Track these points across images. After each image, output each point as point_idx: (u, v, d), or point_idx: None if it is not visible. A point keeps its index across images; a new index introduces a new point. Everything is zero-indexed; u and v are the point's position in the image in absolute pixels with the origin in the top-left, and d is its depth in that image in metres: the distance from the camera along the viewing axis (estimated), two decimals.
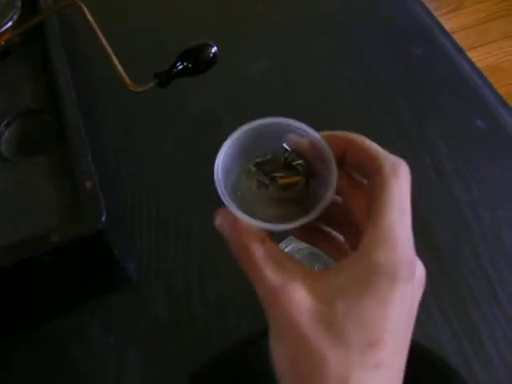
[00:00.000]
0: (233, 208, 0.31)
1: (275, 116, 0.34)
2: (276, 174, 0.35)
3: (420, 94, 0.69)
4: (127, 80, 0.51)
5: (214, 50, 0.50)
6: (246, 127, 0.34)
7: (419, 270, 0.30)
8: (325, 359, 0.26)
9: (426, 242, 0.57)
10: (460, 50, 0.74)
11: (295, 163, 0.36)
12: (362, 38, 0.76)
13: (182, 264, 0.55)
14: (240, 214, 0.31)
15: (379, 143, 0.63)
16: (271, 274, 0.29)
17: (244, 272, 0.30)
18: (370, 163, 0.32)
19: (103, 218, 0.43)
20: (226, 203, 0.31)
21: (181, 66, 0.50)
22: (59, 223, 0.45)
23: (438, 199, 0.60)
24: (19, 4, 0.59)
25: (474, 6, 1.63)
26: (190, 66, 0.50)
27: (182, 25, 0.77)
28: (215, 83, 0.68)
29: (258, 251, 0.30)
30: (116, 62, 0.52)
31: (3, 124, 0.52)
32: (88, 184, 0.45)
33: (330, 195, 0.31)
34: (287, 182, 0.35)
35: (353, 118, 0.67)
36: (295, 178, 0.35)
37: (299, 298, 0.28)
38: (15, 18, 0.58)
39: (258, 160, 0.36)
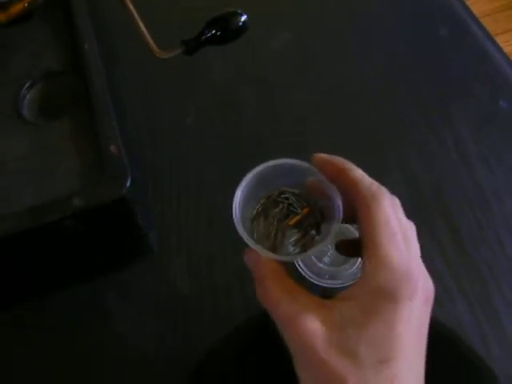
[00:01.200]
0: (251, 243, 0.34)
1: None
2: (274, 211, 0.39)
3: (445, 77, 0.68)
4: (154, 46, 0.50)
5: (243, 18, 0.49)
6: (255, 171, 0.37)
7: (422, 284, 0.31)
8: (344, 379, 0.29)
9: (447, 225, 0.56)
10: (486, 33, 0.73)
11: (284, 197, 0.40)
12: (387, 19, 0.75)
13: (203, 236, 0.54)
14: (258, 248, 0.34)
15: (404, 127, 0.63)
16: (286, 305, 0.32)
17: (262, 303, 0.33)
18: (354, 192, 0.34)
19: (128, 184, 0.43)
20: (246, 241, 0.34)
21: (209, 34, 0.49)
22: (82, 187, 0.44)
23: (461, 184, 0.59)
24: None
25: None
26: (219, 33, 0.49)
27: None
28: (236, 53, 0.67)
29: (275, 286, 0.33)
30: (143, 28, 0.51)
31: (25, 86, 0.51)
32: (112, 148, 0.44)
33: (325, 244, 0.34)
34: (296, 220, 0.38)
35: (377, 101, 0.67)
36: (300, 215, 0.38)
37: (314, 327, 0.30)
38: None
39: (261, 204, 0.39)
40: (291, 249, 0.38)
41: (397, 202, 0.35)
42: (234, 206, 0.35)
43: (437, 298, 0.50)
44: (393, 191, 0.58)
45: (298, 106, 0.66)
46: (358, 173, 0.35)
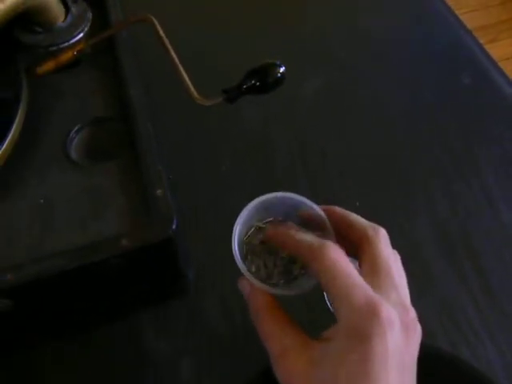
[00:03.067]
0: (247, 274, 0.37)
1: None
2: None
3: (470, 122, 0.71)
4: (195, 94, 0.53)
5: (281, 69, 0.51)
6: (253, 203, 0.40)
7: (398, 316, 0.33)
8: None
9: (475, 269, 0.58)
10: (507, 79, 0.75)
11: None
12: (414, 64, 0.78)
13: (237, 277, 0.56)
14: (256, 281, 0.37)
15: (431, 170, 0.64)
16: (277, 340, 0.35)
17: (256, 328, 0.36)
18: (301, 253, 0.37)
19: (174, 226, 0.45)
20: (244, 274, 0.37)
21: (249, 84, 0.51)
22: (130, 228, 0.46)
23: (487, 226, 0.61)
24: (90, 16, 0.61)
25: (511, 38, 1.65)
26: (258, 84, 0.51)
27: (239, 45, 0.80)
28: (269, 99, 0.70)
29: (268, 318, 0.36)
30: (185, 75, 0.53)
31: (74, 130, 0.54)
32: (159, 192, 0.46)
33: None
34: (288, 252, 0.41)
35: (403, 143, 0.69)
36: None
37: (299, 368, 0.33)
38: (86, 29, 0.60)
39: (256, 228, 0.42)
40: (282, 281, 0.40)
41: (380, 234, 0.37)
42: (233, 237, 0.38)
43: (469, 342, 0.52)
44: (420, 233, 0.60)
45: (329, 150, 0.68)
46: (298, 237, 0.37)
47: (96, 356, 0.53)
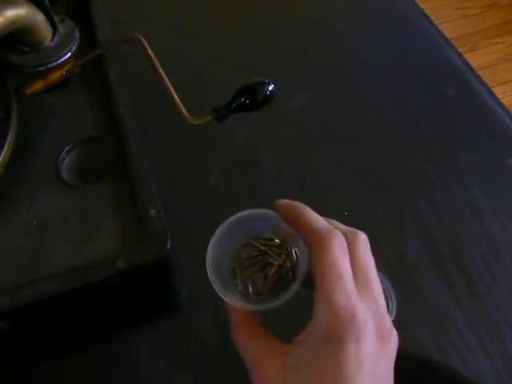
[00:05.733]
0: (222, 294, 0.38)
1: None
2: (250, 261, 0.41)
3: (454, 134, 0.72)
4: (185, 112, 0.53)
5: (271, 87, 0.52)
6: (228, 221, 0.41)
7: (374, 324, 0.33)
8: None
9: (463, 279, 0.59)
10: (489, 90, 0.77)
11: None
12: (399, 78, 0.79)
13: None
14: (229, 299, 0.38)
15: (416, 182, 0.66)
16: (252, 350, 0.35)
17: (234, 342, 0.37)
18: (304, 236, 0.36)
19: (168, 245, 0.45)
20: (219, 293, 0.37)
21: (238, 102, 0.52)
22: (124, 249, 0.46)
23: (474, 236, 0.62)
24: (78, 35, 0.61)
25: (489, 47, 1.69)
26: (248, 102, 0.52)
27: (226, 62, 0.80)
28: (257, 116, 0.71)
29: (243, 331, 0.37)
30: (175, 94, 0.54)
31: (64, 151, 0.54)
32: (153, 212, 0.47)
33: (296, 287, 0.36)
34: (275, 270, 0.40)
35: (389, 157, 0.70)
36: (277, 264, 0.40)
37: (274, 373, 0.33)
38: (74, 48, 0.60)
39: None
40: (273, 292, 0.39)
41: (359, 239, 0.36)
42: (207, 257, 0.38)
43: (459, 352, 0.53)
44: (408, 243, 0.61)
45: (317, 163, 0.69)
46: (310, 217, 0.36)
47: (90, 375, 0.53)
